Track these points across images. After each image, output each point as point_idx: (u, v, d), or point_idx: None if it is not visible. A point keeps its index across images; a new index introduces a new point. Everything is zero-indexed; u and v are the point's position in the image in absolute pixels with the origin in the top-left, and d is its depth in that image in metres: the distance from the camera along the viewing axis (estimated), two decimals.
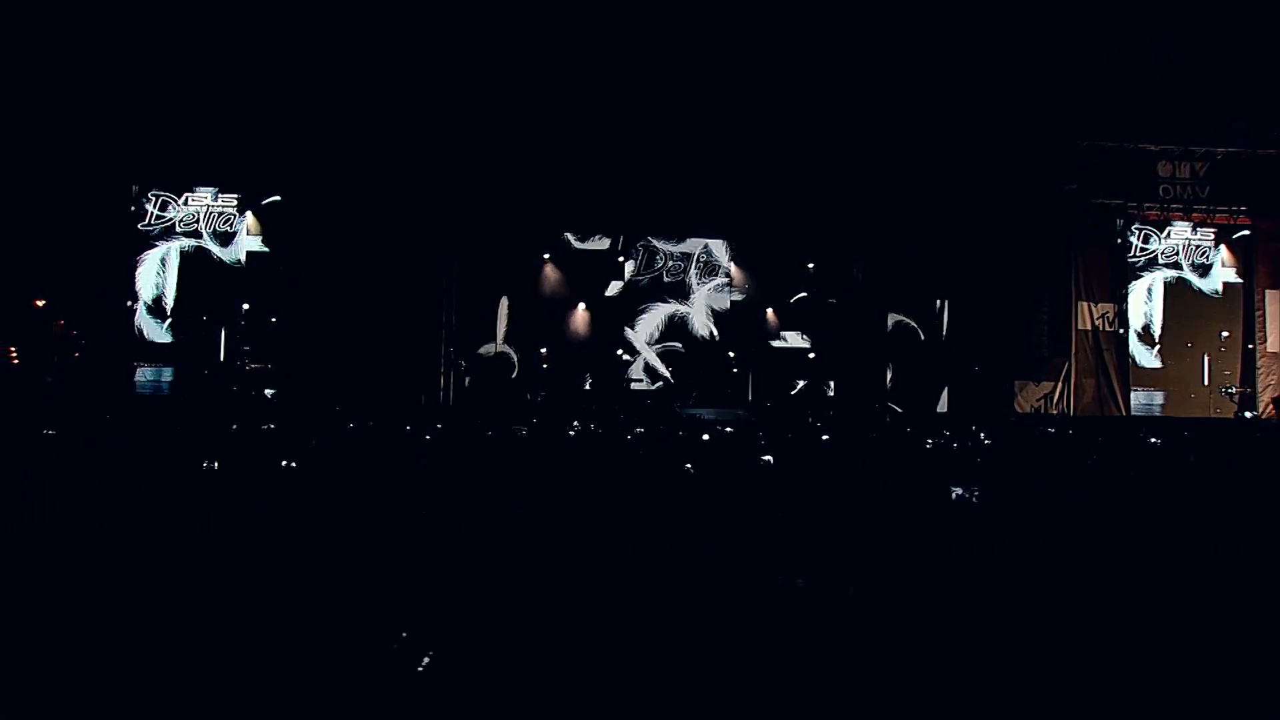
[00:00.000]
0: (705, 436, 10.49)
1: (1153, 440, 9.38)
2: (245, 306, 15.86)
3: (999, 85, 16.99)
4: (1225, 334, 17.99)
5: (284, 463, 6.55)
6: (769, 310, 19.11)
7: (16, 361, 16.32)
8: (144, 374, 16.23)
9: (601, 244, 18.76)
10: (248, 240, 16.74)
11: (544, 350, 18.57)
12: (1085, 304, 17.89)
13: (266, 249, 16.72)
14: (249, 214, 16.64)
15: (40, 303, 16.87)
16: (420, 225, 16.64)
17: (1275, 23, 16.36)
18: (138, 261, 16.63)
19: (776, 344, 18.91)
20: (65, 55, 15.17)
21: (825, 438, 10.05)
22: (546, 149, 17.13)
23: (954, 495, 4.37)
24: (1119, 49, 16.74)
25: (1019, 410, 17.43)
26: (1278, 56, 16.57)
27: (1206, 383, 17.79)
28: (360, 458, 8.19)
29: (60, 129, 15.35)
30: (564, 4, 16.25)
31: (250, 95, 15.87)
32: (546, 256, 18.65)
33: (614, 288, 18.84)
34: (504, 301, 18.35)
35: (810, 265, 18.90)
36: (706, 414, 15.49)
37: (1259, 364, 17.87)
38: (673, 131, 17.35)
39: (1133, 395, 17.91)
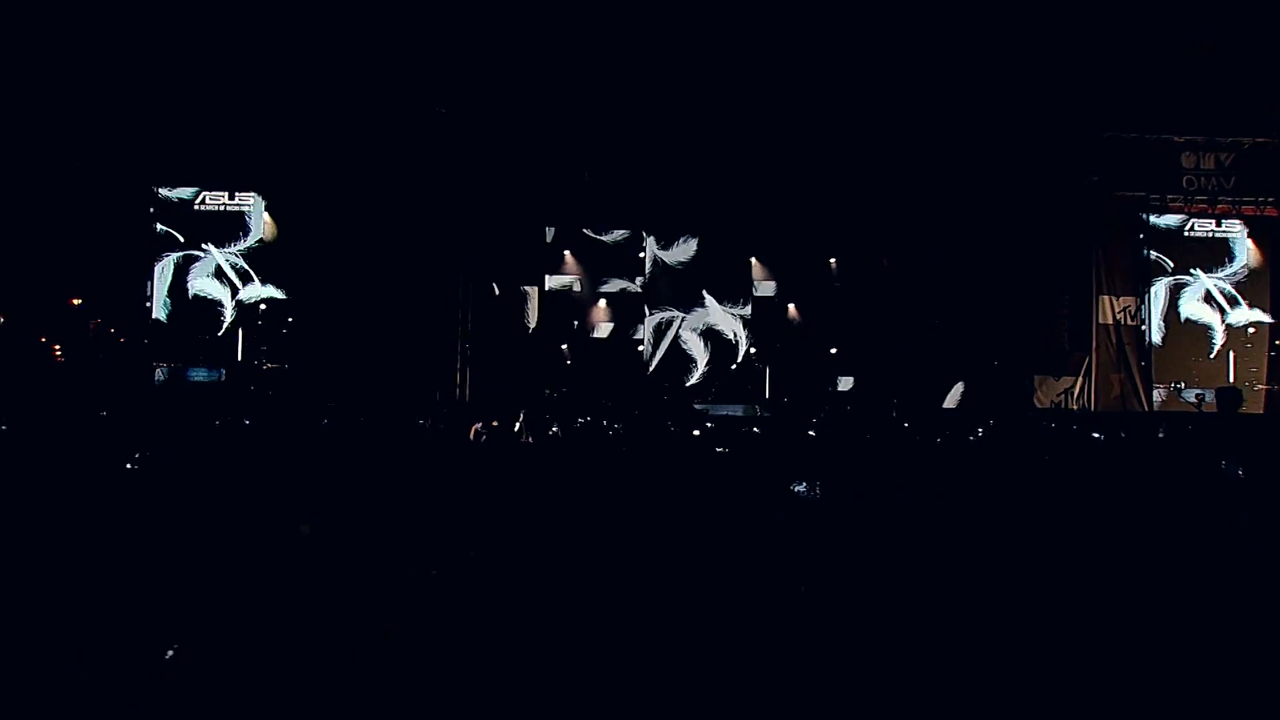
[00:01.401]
0: (695, 432, 10.54)
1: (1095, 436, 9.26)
2: (262, 307, 16.11)
3: (1019, 76, 16.75)
4: (1251, 330, 17.62)
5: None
6: (790, 305, 19.06)
7: (62, 360, 16.71)
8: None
9: (620, 238, 18.80)
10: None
11: (565, 346, 18.71)
12: (1107, 298, 17.61)
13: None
14: (265, 214, 16.87)
15: (76, 301, 17.26)
16: (435, 222, 16.76)
17: None
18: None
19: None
20: (83, 58, 15.49)
21: (810, 433, 10.05)
22: (564, 145, 17.21)
23: (797, 490, 4.39)
24: (1141, 39, 16.44)
25: (1038, 405, 17.21)
26: None
27: (1231, 380, 17.43)
28: (338, 456, 8.34)
29: (81, 132, 15.68)
30: (566, 18, 16.29)
31: (264, 95, 16.05)
32: (567, 252, 18.76)
33: (635, 283, 18.89)
34: (533, 292, 18.45)
35: (833, 260, 18.88)
36: (716, 410, 15.52)
37: None
38: (693, 126, 17.33)
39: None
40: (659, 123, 17.30)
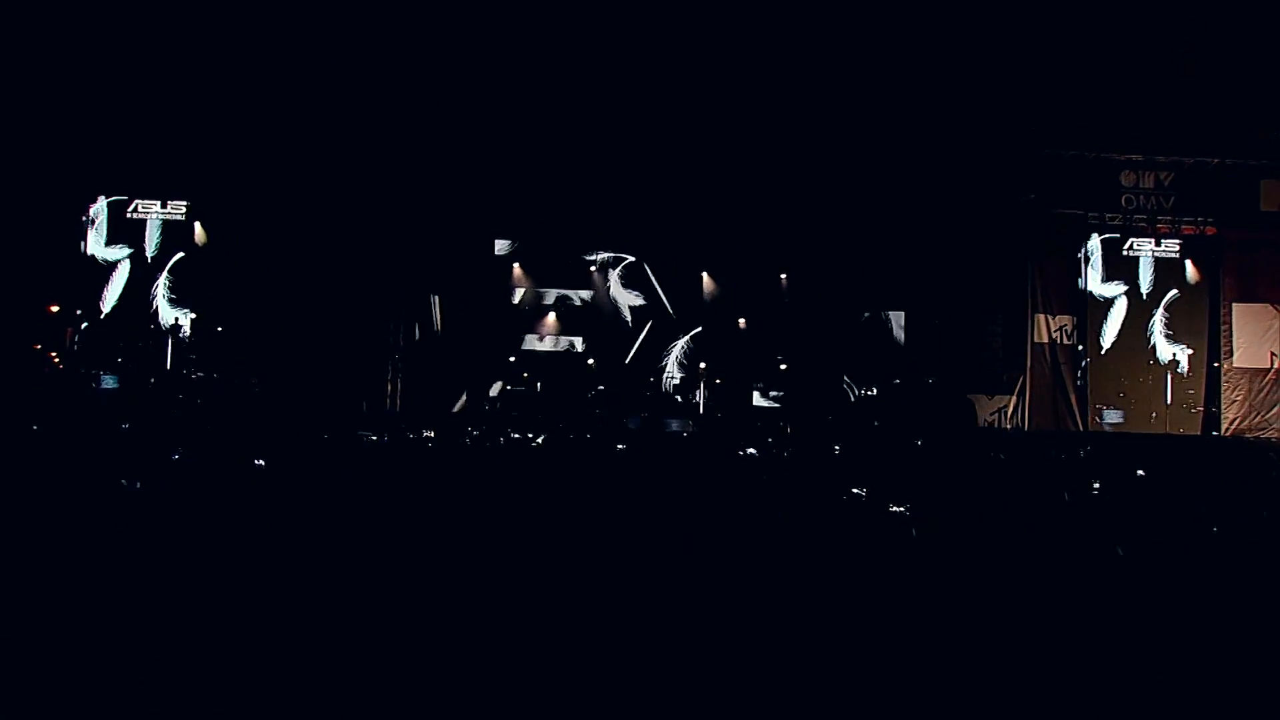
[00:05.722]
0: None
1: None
2: (192, 316, 16.26)
3: (957, 92, 16.69)
4: (1190, 351, 17.40)
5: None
6: (740, 320, 19.07)
7: (61, 367, 16.98)
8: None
9: (567, 252, 18.89)
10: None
11: (512, 359, 18.79)
12: (1043, 316, 17.42)
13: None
14: (197, 224, 16.98)
15: (54, 309, 17.50)
16: (370, 232, 16.83)
17: (1242, 31, 15.89)
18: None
19: None
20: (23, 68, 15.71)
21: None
22: (510, 156, 17.26)
23: None
24: (1081, 56, 16.33)
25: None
26: (1244, 65, 16.07)
27: (1169, 402, 17.22)
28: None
29: (17, 142, 15.88)
30: (510, 30, 16.37)
31: (202, 108, 16.17)
32: (516, 265, 18.86)
33: (578, 296, 18.97)
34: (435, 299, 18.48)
35: (783, 275, 18.94)
36: (633, 423, 15.56)
37: (1224, 378, 17.21)
38: (641, 144, 17.37)
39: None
40: (609, 137, 17.34)
